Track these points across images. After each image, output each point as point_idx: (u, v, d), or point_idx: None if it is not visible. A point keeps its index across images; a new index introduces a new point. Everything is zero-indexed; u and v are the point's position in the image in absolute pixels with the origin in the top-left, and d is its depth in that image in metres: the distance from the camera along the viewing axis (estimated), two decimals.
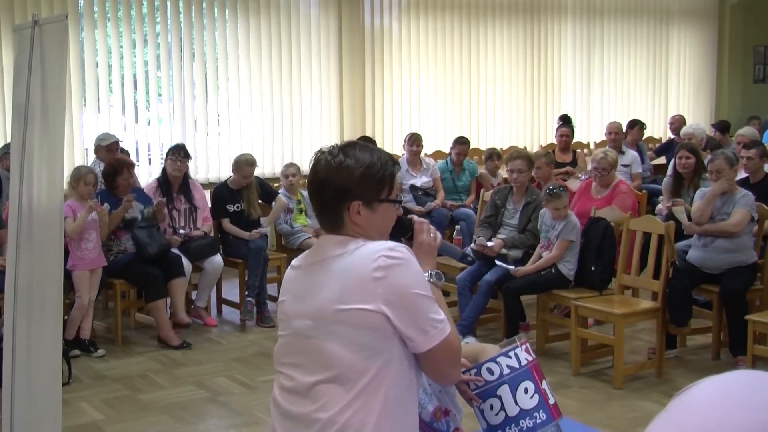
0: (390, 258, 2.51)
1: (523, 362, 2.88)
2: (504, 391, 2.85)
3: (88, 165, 9.06)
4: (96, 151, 8.21)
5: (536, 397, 2.86)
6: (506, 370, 2.85)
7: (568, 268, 6.85)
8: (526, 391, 2.85)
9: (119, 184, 7.43)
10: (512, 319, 6.95)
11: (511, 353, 2.88)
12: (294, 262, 2.81)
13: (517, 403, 2.84)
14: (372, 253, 2.53)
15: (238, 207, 8.17)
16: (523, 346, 2.93)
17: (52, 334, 4.50)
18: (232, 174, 8.33)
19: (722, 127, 12.03)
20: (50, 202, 4.53)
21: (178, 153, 7.93)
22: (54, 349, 4.52)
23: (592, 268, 6.81)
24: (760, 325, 6.17)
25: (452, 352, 2.60)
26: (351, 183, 2.61)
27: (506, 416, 2.85)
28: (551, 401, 2.90)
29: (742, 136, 9.40)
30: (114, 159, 7.73)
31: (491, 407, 2.87)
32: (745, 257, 6.64)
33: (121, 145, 8.45)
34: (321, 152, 2.70)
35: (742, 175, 7.54)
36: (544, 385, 2.91)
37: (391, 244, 2.57)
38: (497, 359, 2.87)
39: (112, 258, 7.32)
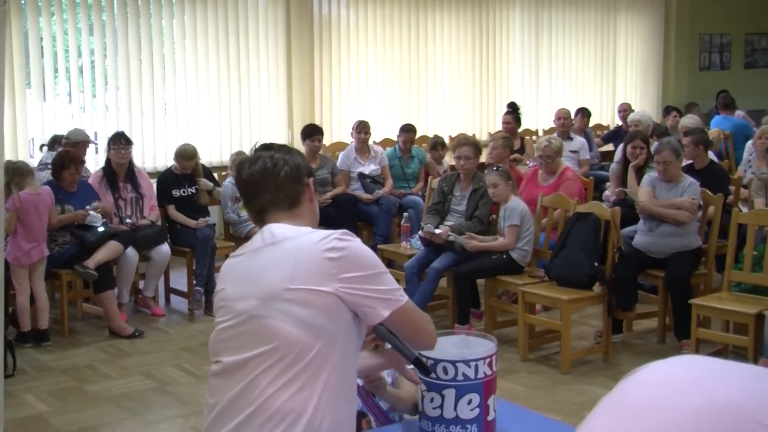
0: (343, 240, 2.56)
1: (480, 375, 2.85)
2: (449, 393, 2.83)
3: (33, 155, 8.94)
4: (64, 145, 8.05)
5: (477, 410, 2.84)
6: (460, 377, 2.82)
7: (520, 254, 6.90)
8: (469, 402, 2.83)
9: (65, 177, 7.37)
10: (464, 305, 6.96)
11: (472, 364, 2.86)
12: (233, 253, 2.82)
13: (455, 409, 2.83)
14: (324, 237, 2.57)
15: (184, 192, 8.17)
16: (489, 359, 2.90)
17: None
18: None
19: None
20: None
21: (119, 141, 7.86)
22: None
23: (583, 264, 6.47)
24: (703, 309, 6.27)
25: (416, 315, 2.67)
26: (302, 162, 2.80)
27: (441, 415, 2.85)
28: (490, 417, 2.88)
29: (684, 126, 9.50)
30: (65, 152, 7.62)
31: (432, 400, 2.86)
32: (690, 242, 6.74)
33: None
34: (247, 158, 2.79)
35: (687, 161, 7.64)
36: (491, 400, 2.89)
37: (341, 231, 2.61)
38: (456, 364, 2.84)
39: (57, 249, 7.24)
